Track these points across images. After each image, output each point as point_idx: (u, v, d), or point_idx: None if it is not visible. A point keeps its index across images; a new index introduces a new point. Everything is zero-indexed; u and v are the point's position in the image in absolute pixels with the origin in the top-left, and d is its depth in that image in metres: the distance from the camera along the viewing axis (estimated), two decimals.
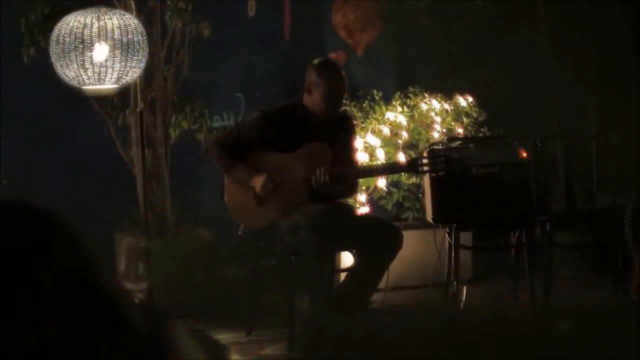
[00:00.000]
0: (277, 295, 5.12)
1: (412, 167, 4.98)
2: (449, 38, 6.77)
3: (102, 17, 4.78)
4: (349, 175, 4.88)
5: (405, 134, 6.03)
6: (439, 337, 4.87)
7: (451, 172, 4.97)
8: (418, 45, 6.90)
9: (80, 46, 4.72)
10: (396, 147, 5.95)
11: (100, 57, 4.71)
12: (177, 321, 1.26)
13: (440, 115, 6.20)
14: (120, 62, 4.75)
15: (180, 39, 5.84)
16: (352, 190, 5.15)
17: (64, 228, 1.19)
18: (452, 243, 5.31)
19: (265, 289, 5.14)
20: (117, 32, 4.75)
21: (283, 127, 4.92)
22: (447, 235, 5.39)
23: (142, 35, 4.88)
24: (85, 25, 4.73)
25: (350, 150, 5.09)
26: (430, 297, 5.66)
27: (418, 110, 6.19)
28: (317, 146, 4.92)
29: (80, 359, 1.14)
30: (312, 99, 4.90)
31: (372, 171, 4.95)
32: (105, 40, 4.74)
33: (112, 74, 4.74)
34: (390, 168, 5.07)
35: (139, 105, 5.28)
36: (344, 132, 5.07)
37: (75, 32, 4.72)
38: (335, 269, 5.12)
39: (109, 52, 4.72)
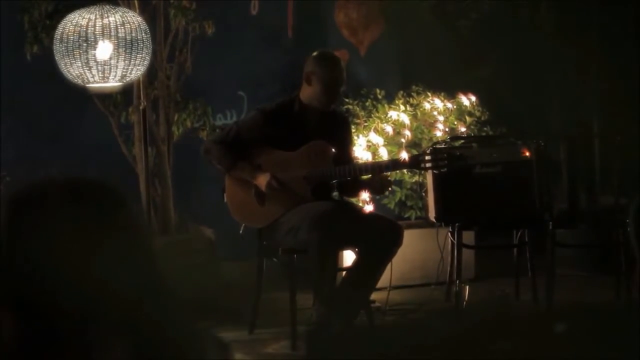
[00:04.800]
0: (279, 294, 5.12)
1: (415, 163, 4.98)
2: (452, 36, 6.77)
3: (106, 15, 4.78)
4: (352, 172, 4.88)
5: (408, 133, 6.02)
6: (441, 336, 4.87)
7: (453, 168, 4.97)
8: (421, 43, 6.90)
9: (84, 44, 4.72)
10: (399, 146, 5.94)
11: (104, 55, 4.71)
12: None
13: (443, 114, 6.19)
14: (124, 60, 4.75)
15: (184, 37, 5.84)
16: (356, 188, 5.13)
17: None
18: (455, 242, 5.31)
19: (268, 287, 5.13)
20: (120, 30, 4.76)
21: (282, 124, 4.92)
22: (449, 234, 5.39)
23: (145, 33, 4.88)
24: (89, 23, 4.74)
25: (350, 147, 5.11)
26: (433, 296, 5.66)
27: (421, 109, 6.18)
28: (318, 144, 4.92)
29: None
30: (312, 90, 4.89)
31: (375, 168, 4.94)
32: (109, 38, 4.74)
33: (116, 71, 4.75)
34: (392, 165, 5.07)
35: (142, 103, 5.28)
36: (342, 129, 5.08)
37: (79, 30, 4.72)
38: (337, 266, 5.11)
39: (113, 50, 4.73)
